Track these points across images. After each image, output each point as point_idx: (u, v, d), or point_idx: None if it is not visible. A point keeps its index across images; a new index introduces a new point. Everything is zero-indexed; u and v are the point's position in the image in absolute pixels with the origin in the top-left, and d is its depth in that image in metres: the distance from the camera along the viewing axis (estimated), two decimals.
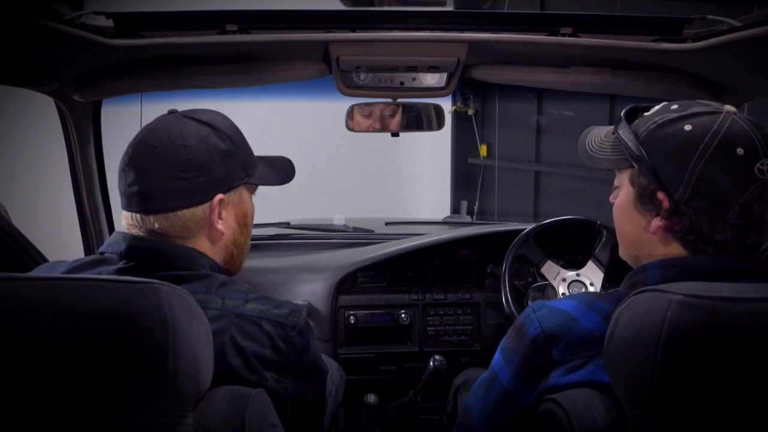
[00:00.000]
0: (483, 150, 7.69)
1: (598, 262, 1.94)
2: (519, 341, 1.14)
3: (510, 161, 7.16)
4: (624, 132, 1.12)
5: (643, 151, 1.08)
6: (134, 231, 1.21)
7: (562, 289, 1.90)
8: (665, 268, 1.08)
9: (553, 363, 1.09)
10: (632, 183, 1.13)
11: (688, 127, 1.04)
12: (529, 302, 1.92)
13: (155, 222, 1.18)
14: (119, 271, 1.16)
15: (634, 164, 1.11)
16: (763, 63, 1.45)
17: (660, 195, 1.07)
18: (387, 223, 2.75)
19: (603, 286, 1.92)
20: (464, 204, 5.63)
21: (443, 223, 2.94)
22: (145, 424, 0.95)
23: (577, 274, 1.92)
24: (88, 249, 2.09)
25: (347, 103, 1.88)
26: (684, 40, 1.47)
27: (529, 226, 2.02)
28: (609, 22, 1.52)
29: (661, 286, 0.93)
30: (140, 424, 0.95)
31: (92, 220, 2.01)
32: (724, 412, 0.91)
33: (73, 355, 0.87)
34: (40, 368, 0.87)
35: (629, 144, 1.10)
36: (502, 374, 1.17)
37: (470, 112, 7.56)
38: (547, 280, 1.94)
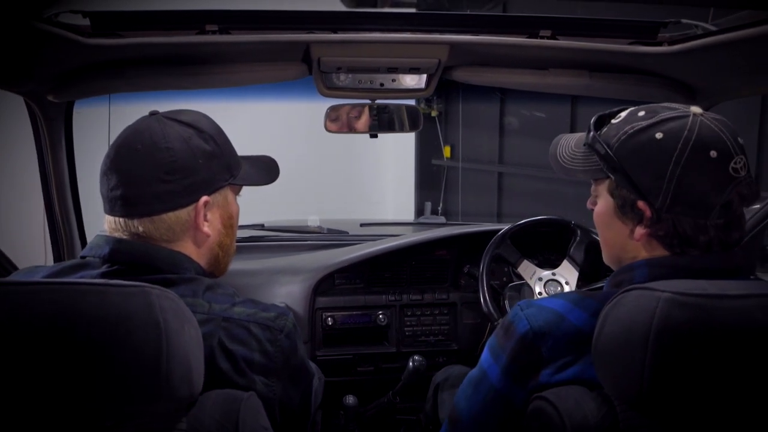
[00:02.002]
0: (446, 151, 7.75)
1: (573, 262, 1.96)
2: (507, 339, 1.15)
3: (473, 162, 7.23)
4: (596, 143, 1.14)
5: (618, 163, 1.09)
6: (117, 234, 1.19)
7: (538, 288, 1.93)
8: (651, 267, 1.10)
9: (543, 360, 1.10)
10: (611, 194, 1.14)
11: (659, 135, 1.05)
12: (506, 302, 1.94)
13: (139, 225, 1.17)
14: (103, 276, 1.14)
15: (611, 175, 1.12)
16: (736, 66, 1.48)
17: (641, 204, 1.08)
18: (362, 225, 2.75)
19: (577, 285, 1.95)
20: (428, 205, 5.66)
21: (418, 224, 2.96)
22: (139, 429, 0.94)
23: (553, 273, 1.95)
24: (58, 254, 2.04)
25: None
26: (659, 44, 1.50)
27: (504, 227, 2.04)
28: (587, 25, 1.54)
29: (649, 284, 0.95)
30: (134, 430, 0.94)
31: (63, 225, 1.97)
32: (714, 407, 0.93)
33: (64, 360, 0.85)
34: (30, 374, 0.85)
35: (603, 156, 1.12)
36: (491, 372, 1.17)
37: (434, 113, 7.61)
38: (523, 279, 1.96)
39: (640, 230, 1.10)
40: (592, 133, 1.16)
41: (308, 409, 1.34)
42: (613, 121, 1.15)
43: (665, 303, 0.90)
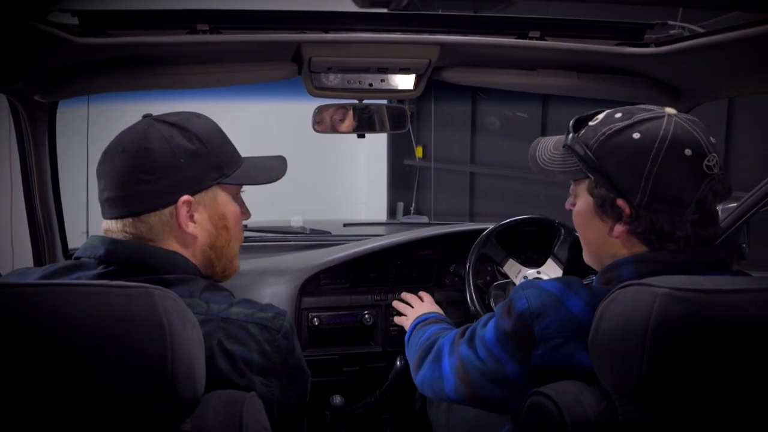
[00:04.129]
0: (419, 152, 7.77)
1: (557, 260, 1.99)
2: (507, 315, 1.19)
3: (445, 162, 7.26)
4: (575, 145, 1.17)
5: (597, 163, 1.13)
6: (111, 235, 1.18)
7: None
8: (638, 264, 1.14)
9: (535, 340, 1.13)
10: (590, 193, 1.18)
11: (636, 135, 1.10)
12: (491, 300, 1.96)
13: (128, 227, 1.17)
14: (100, 277, 1.13)
15: (590, 175, 1.16)
16: (722, 68, 1.52)
17: (620, 202, 1.13)
18: (345, 225, 2.75)
19: None
20: (400, 205, 5.67)
21: (401, 223, 2.97)
22: (142, 431, 0.93)
23: (538, 272, 1.97)
24: (38, 256, 2.00)
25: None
26: (647, 45, 1.53)
27: (488, 226, 2.05)
28: (575, 27, 1.57)
29: (646, 280, 0.97)
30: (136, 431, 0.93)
31: (44, 226, 1.93)
32: (711, 400, 0.95)
33: (66, 362, 0.84)
34: (32, 376, 0.84)
35: (582, 157, 1.16)
36: (488, 336, 1.22)
37: None
38: (508, 278, 1.98)
39: (619, 228, 1.14)
40: (570, 134, 1.19)
41: (304, 410, 1.33)
42: (590, 123, 1.19)
43: (662, 298, 0.92)
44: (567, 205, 1.29)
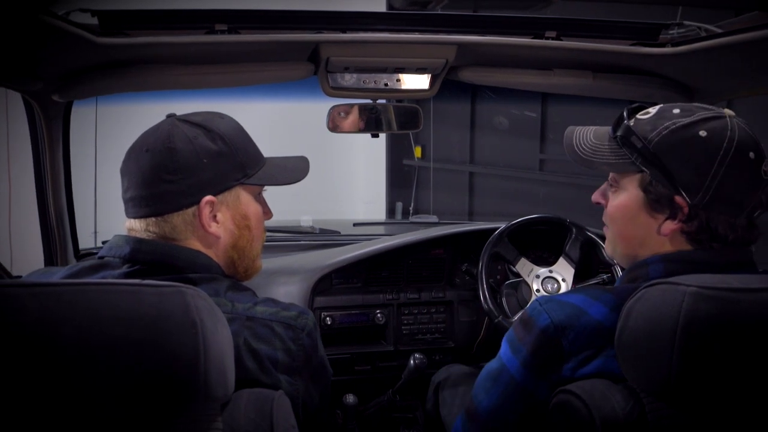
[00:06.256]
0: (417, 152, 7.76)
1: (569, 259, 1.99)
2: (527, 332, 1.16)
3: (444, 162, 7.26)
4: (632, 136, 1.14)
5: (657, 158, 1.10)
6: (135, 235, 1.19)
7: (536, 286, 1.95)
8: (667, 263, 1.13)
9: (564, 354, 1.11)
10: (643, 188, 1.15)
11: (703, 133, 1.08)
12: (503, 299, 1.97)
13: (151, 226, 1.17)
14: (125, 276, 1.13)
15: (645, 169, 1.13)
16: (737, 68, 1.53)
17: (678, 200, 1.10)
18: (355, 224, 2.75)
19: (574, 282, 1.98)
20: (399, 205, 5.66)
21: (411, 223, 2.97)
22: (175, 430, 0.93)
23: (550, 271, 1.97)
24: (49, 255, 2.00)
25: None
26: (662, 45, 1.54)
27: (499, 225, 2.06)
28: (591, 27, 1.58)
29: (672, 279, 0.97)
30: (170, 430, 0.93)
31: (56, 225, 1.93)
32: (739, 397, 0.96)
33: (100, 361, 0.84)
34: (66, 375, 0.84)
35: (640, 149, 1.13)
36: (511, 365, 1.18)
37: None
38: (520, 277, 1.98)
39: (670, 225, 1.12)
40: (625, 124, 1.16)
41: (326, 409, 1.34)
42: (639, 116, 1.16)
43: (691, 297, 0.92)
44: (596, 198, 1.25)
